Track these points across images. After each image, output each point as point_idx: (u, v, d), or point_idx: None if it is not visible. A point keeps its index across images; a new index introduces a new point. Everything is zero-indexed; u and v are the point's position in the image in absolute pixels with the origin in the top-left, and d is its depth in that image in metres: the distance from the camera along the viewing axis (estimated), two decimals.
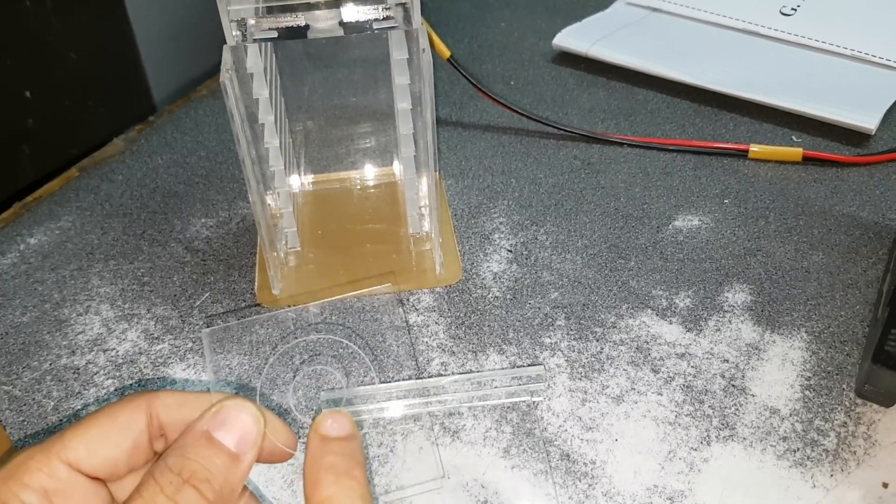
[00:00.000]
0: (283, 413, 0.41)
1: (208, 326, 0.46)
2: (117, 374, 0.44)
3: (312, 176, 0.56)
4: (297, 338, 0.45)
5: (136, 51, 0.70)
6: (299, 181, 0.55)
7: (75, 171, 0.59)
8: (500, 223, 0.52)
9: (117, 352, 0.45)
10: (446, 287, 0.48)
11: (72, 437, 0.27)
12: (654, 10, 0.70)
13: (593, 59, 0.65)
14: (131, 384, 0.43)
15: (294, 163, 0.54)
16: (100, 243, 0.52)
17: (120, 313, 0.47)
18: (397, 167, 0.55)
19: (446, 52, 0.57)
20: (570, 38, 0.66)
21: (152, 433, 0.29)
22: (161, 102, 0.74)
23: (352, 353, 0.44)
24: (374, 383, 0.39)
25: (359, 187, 0.55)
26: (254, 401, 0.29)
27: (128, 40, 0.69)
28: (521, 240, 0.51)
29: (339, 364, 0.43)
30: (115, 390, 0.43)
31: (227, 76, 0.39)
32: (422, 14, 0.41)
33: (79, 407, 0.42)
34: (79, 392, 0.43)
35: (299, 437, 0.39)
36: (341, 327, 0.46)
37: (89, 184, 0.57)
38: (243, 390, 0.43)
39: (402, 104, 0.44)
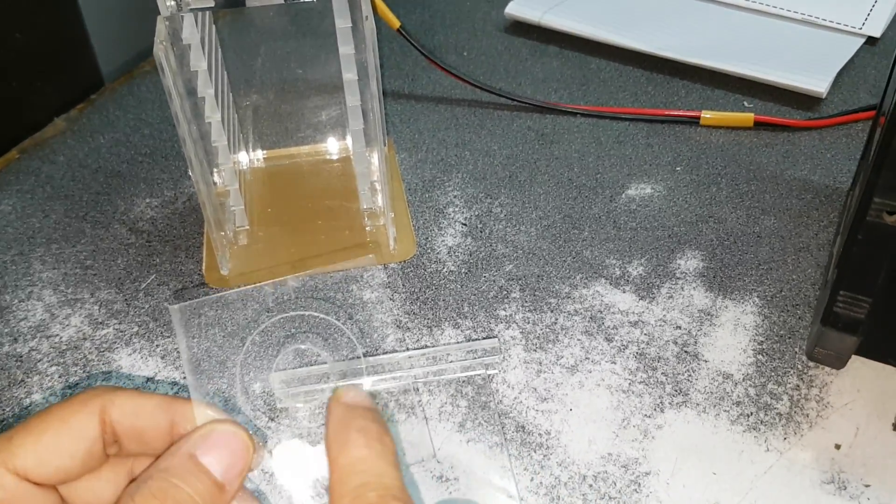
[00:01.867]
0: (268, 394, 0.40)
1: (177, 302, 0.44)
2: (61, 360, 0.42)
3: (262, 152, 0.54)
4: (276, 314, 0.44)
5: (83, 27, 0.67)
6: (248, 157, 0.54)
7: (15, 153, 0.56)
8: (455, 196, 0.52)
9: (61, 338, 0.43)
10: (400, 262, 0.47)
11: (20, 443, 0.26)
12: None
13: (546, 28, 0.64)
14: (76, 370, 0.42)
15: (241, 139, 0.53)
16: (41, 227, 0.50)
17: (63, 298, 0.46)
18: (349, 142, 0.54)
19: (396, 22, 0.56)
20: (523, 7, 0.65)
21: (106, 440, 0.27)
22: (109, 77, 0.72)
23: (334, 329, 0.43)
24: (359, 359, 0.38)
25: (310, 163, 0.54)
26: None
27: (74, 16, 0.66)
28: (476, 213, 0.50)
29: (324, 342, 0.42)
30: (60, 377, 0.41)
31: (161, 49, 0.38)
32: None
33: (22, 396, 0.41)
34: (22, 380, 0.41)
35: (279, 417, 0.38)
36: (323, 302, 0.45)
37: (30, 166, 0.55)
38: (220, 369, 0.41)
39: (348, 75, 0.43)
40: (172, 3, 0.39)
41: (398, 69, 0.62)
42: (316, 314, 0.42)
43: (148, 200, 0.52)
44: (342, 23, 0.41)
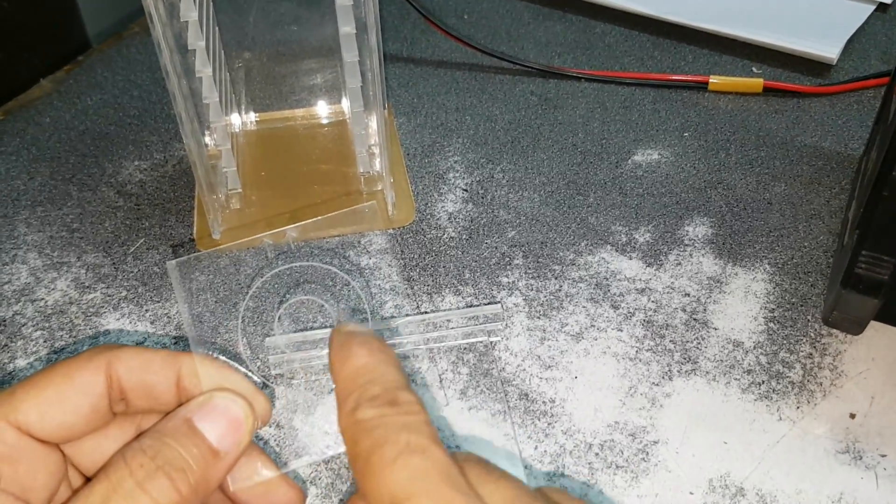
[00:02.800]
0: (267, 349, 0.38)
1: (175, 258, 0.42)
2: (46, 325, 0.41)
3: (255, 115, 0.52)
4: (277, 266, 0.42)
5: None
6: (240, 119, 0.52)
7: (0, 114, 0.55)
8: (455, 162, 0.50)
9: (46, 302, 0.42)
10: (399, 228, 0.46)
11: (23, 397, 0.25)
12: None
13: None
14: (62, 335, 0.40)
15: (234, 100, 0.51)
16: (26, 189, 0.49)
17: (48, 262, 0.44)
18: (346, 105, 0.52)
19: None
20: None
21: (112, 396, 0.26)
22: (97, 40, 0.70)
23: (339, 279, 0.41)
24: (365, 311, 0.36)
25: (305, 126, 0.52)
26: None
27: None
28: (477, 178, 0.49)
29: (328, 293, 0.41)
30: (45, 342, 0.40)
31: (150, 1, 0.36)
32: None
33: (6, 360, 0.39)
34: (5, 345, 0.40)
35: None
36: (325, 253, 0.43)
37: (14, 127, 0.53)
38: (221, 324, 0.40)
39: (346, 28, 0.41)
40: None
41: (396, 31, 0.61)
42: (318, 264, 0.40)
43: (137, 163, 0.50)
44: None
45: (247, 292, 0.42)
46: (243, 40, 0.52)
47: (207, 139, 0.46)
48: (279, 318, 0.40)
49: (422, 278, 0.43)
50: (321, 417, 0.36)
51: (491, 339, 0.39)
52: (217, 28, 0.47)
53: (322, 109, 0.53)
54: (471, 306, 0.41)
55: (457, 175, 0.49)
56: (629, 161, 0.49)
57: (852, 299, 0.32)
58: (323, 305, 0.40)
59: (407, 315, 0.40)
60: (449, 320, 0.39)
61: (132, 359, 0.26)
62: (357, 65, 0.43)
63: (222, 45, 0.48)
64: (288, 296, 0.41)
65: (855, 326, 0.34)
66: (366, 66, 0.43)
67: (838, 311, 0.34)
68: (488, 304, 0.41)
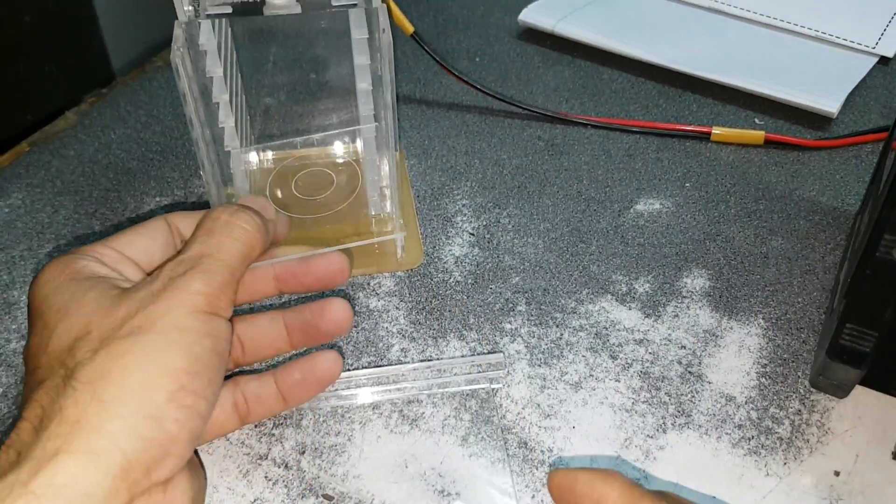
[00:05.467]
0: None
1: None
2: None
3: (272, 152, 0.54)
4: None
5: (93, 14, 0.67)
6: (257, 157, 0.54)
7: (25, 145, 0.57)
8: (463, 205, 0.52)
9: None
10: (408, 271, 0.47)
11: (109, 238, 0.35)
12: None
13: (559, 37, 0.64)
14: None
15: (252, 139, 0.53)
16: (50, 222, 0.51)
17: None
18: (360, 145, 0.54)
19: (409, 28, 0.56)
20: (536, 15, 0.65)
21: (175, 238, 0.36)
22: (121, 72, 0.72)
23: None
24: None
25: (319, 165, 0.54)
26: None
27: (89, 13, 0.66)
28: (484, 223, 0.50)
29: None
30: None
31: (178, 55, 0.38)
32: None
33: None
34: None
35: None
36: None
37: (40, 159, 0.55)
38: None
39: (363, 84, 0.43)
40: (190, 8, 0.39)
41: (410, 73, 0.62)
42: None
43: (158, 199, 0.52)
44: (358, 34, 0.41)
45: None
46: (263, 80, 0.54)
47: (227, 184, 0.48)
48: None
49: (428, 322, 0.44)
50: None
51: (493, 386, 0.41)
52: (239, 74, 0.49)
53: (337, 149, 0.54)
54: (475, 352, 0.42)
55: (464, 219, 0.51)
56: (631, 210, 0.51)
57: (837, 368, 0.34)
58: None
59: (412, 360, 0.42)
60: (453, 367, 0.41)
61: (183, 215, 0.36)
62: (372, 117, 0.44)
63: (243, 90, 0.50)
64: None
65: (840, 391, 0.36)
66: (380, 117, 0.44)
67: (824, 377, 0.35)
68: (491, 351, 0.42)
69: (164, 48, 0.67)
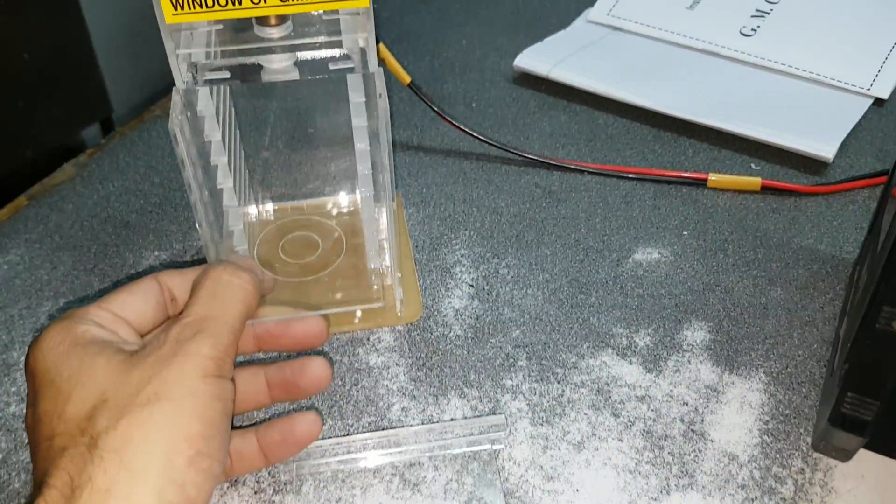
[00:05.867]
0: None
1: None
2: None
3: (271, 204, 0.55)
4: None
5: (92, 53, 0.68)
6: (256, 210, 0.54)
7: (24, 199, 0.57)
8: (462, 255, 0.52)
9: None
10: (407, 325, 0.47)
11: (103, 299, 0.35)
12: (615, 28, 0.70)
13: (554, 82, 0.64)
14: None
15: (250, 192, 0.53)
16: (49, 279, 0.50)
17: None
18: (358, 196, 0.54)
19: (406, 78, 0.56)
20: (531, 60, 0.65)
21: (166, 297, 0.36)
22: (120, 121, 0.72)
23: None
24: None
25: (318, 217, 0.54)
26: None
27: (84, 46, 0.67)
28: (483, 273, 0.51)
29: None
30: None
31: (176, 122, 0.38)
32: (380, 32, 0.40)
33: (27, 460, 0.41)
34: (28, 442, 0.41)
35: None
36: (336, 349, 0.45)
37: (39, 213, 0.55)
38: None
39: (360, 145, 0.43)
40: (188, 75, 0.39)
41: (407, 119, 0.63)
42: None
43: (157, 253, 0.52)
44: (356, 97, 0.41)
45: None
46: (262, 134, 0.54)
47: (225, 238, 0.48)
48: None
49: (428, 379, 0.44)
50: None
51: (495, 447, 0.40)
52: (238, 132, 0.49)
53: (335, 199, 0.55)
54: (476, 411, 0.42)
55: (463, 269, 0.51)
56: (630, 259, 0.51)
57: (839, 435, 0.34)
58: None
59: (413, 421, 0.42)
60: (454, 429, 0.41)
61: (173, 274, 0.37)
62: (370, 176, 0.45)
63: (242, 146, 0.50)
64: None
65: (843, 456, 0.36)
66: (378, 176, 0.45)
67: (826, 442, 0.35)
68: (493, 411, 0.42)
69: (163, 96, 0.67)
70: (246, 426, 0.38)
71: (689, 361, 0.45)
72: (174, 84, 0.39)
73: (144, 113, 0.64)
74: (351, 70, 0.39)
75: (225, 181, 0.43)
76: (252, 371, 0.39)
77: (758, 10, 0.69)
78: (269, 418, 0.41)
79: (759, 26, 0.68)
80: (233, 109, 0.47)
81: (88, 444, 0.29)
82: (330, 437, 0.41)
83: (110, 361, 0.32)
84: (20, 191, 0.57)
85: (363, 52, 0.39)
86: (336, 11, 0.39)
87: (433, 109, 0.58)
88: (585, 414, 0.42)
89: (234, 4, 0.37)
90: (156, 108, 0.65)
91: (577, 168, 0.57)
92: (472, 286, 0.50)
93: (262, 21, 0.39)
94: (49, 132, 0.66)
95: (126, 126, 0.63)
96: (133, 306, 0.35)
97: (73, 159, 0.60)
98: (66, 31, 0.66)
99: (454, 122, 0.58)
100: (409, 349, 0.46)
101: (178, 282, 0.37)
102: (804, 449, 0.40)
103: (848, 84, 0.63)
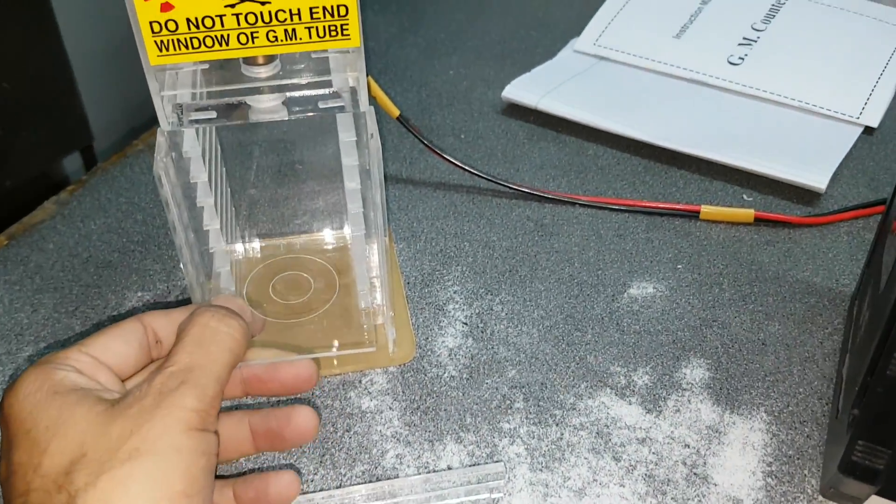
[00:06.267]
0: None
1: None
2: None
3: (258, 241, 0.53)
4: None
5: (72, 83, 0.67)
6: (243, 247, 0.52)
7: (4, 239, 0.55)
8: (455, 292, 0.51)
9: None
10: (400, 366, 0.46)
11: (84, 342, 0.34)
12: (602, 58, 0.69)
13: (543, 112, 0.64)
14: None
15: (236, 230, 0.52)
16: (30, 323, 0.49)
17: None
18: (348, 232, 0.53)
19: (395, 111, 0.56)
20: (519, 91, 0.65)
21: (150, 339, 0.35)
22: (101, 149, 0.71)
23: None
24: None
25: (307, 254, 0.53)
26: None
27: (65, 74, 0.66)
28: (476, 310, 0.49)
29: None
30: None
31: (161, 165, 0.37)
32: (367, 64, 0.39)
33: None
34: None
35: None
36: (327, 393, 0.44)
37: (19, 254, 0.54)
38: None
39: (351, 184, 0.42)
40: (174, 116, 0.38)
41: (396, 152, 0.62)
42: None
43: (140, 294, 0.51)
44: (346, 136, 0.40)
45: None
46: (249, 170, 0.53)
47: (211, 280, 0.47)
48: None
49: (423, 423, 0.43)
50: None
51: (493, 496, 0.39)
52: (224, 170, 0.48)
53: (323, 235, 0.53)
54: (473, 457, 0.41)
55: (456, 307, 0.50)
56: (625, 294, 0.50)
57: (850, 483, 0.33)
58: None
59: (408, 468, 0.41)
60: (452, 479, 0.40)
61: (159, 315, 0.35)
62: (361, 215, 0.44)
63: (228, 184, 0.49)
64: None
65: (853, 503, 0.35)
66: (369, 214, 0.44)
67: (835, 489, 0.34)
68: (490, 458, 0.41)
69: (145, 125, 0.66)
70: (226, 476, 0.37)
71: (689, 401, 0.44)
72: (158, 122, 0.38)
73: (127, 147, 0.63)
74: (341, 109, 0.38)
75: (212, 222, 0.42)
76: (236, 418, 0.37)
77: (745, 39, 0.69)
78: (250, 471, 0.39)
79: (746, 54, 0.68)
80: (219, 147, 0.46)
81: (66, 503, 0.28)
82: (321, 490, 0.39)
83: (90, 412, 0.30)
84: None
85: (353, 90, 0.38)
86: (326, 50, 0.38)
87: (422, 142, 0.57)
88: (586, 458, 0.41)
89: (220, 45, 0.36)
90: (138, 142, 0.64)
91: (569, 200, 0.57)
92: (465, 324, 0.49)
93: (250, 60, 0.38)
94: (29, 161, 0.64)
95: (108, 161, 0.62)
96: (115, 349, 0.34)
97: (53, 196, 0.58)
98: (45, 58, 0.65)
99: (444, 155, 0.57)
100: (403, 391, 0.45)
101: (163, 323, 0.35)
102: (809, 492, 0.39)
103: (837, 112, 0.63)
